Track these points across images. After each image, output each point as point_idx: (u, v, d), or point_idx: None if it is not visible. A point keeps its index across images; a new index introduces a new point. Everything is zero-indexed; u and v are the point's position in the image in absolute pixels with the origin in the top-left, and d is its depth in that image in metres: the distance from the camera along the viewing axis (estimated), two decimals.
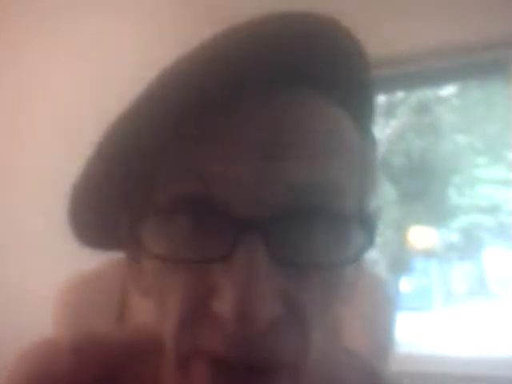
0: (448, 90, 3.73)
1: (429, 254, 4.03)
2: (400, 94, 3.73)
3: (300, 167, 0.32)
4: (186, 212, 0.34)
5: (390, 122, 3.92)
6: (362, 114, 0.38)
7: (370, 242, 0.35)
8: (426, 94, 3.75)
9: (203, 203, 0.33)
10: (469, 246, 4.24)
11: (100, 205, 0.38)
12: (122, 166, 0.34)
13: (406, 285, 4.00)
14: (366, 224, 0.35)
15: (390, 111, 3.90)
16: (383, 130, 3.95)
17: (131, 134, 0.33)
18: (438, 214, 4.12)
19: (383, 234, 4.04)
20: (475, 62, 2.22)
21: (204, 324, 0.33)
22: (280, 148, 0.32)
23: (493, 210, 3.85)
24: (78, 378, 0.46)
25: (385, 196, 4.02)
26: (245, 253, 0.31)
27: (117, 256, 0.98)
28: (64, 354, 0.47)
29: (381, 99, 3.80)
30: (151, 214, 0.34)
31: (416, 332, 3.22)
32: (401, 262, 3.95)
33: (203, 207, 0.33)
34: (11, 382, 0.47)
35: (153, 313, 0.38)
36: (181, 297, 0.34)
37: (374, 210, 0.38)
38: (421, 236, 3.86)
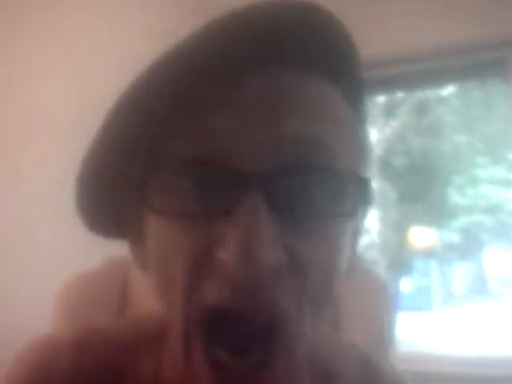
0: (448, 90, 3.73)
1: (429, 254, 4.03)
2: (400, 94, 3.73)
3: (296, 127, 0.36)
4: (190, 170, 0.36)
5: (390, 122, 3.92)
6: (353, 92, 0.42)
7: (365, 200, 0.37)
8: (426, 93, 3.75)
9: (207, 160, 0.35)
10: (469, 246, 4.24)
11: (107, 181, 0.39)
12: (129, 132, 0.36)
13: (406, 285, 4.00)
14: (361, 183, 0.37)
15: (390, 111, 3.90)
16: (383, 130, 3.95)
17: (139, 101, 0.35)
18: (438, 214, 4.12)
19: (383, 234, 4.04)
20: (475, 62, 2.22)
21: (209, 277, 0.35)
22: (279, 111, 0.36)
23: (493, 209, 3.85)
24: (78, 371, 0.46)
25: (385, 196, 4.02)
26: (248, 204, 0.33)
27: (116, 255, 0.98)
28: (64, 349, 0.48)
29: (381, 99, 3.80)
30: (157, 175, 0.36)
31: (416, 332, 3.22)
32: (401, 262, 3.95)
33: (207, 164, 0.35)
34: (13, 377, 0.48)
35: (155, 294, 0.39)
36: (186, 252, 0.35)
37: (368, 176, 0.40)
38: (421, 236, 3.86)
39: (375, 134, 3.95)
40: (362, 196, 0.37)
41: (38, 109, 1.55)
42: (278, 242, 0.33)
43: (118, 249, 1.03)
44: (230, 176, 0.34)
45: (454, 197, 4.01)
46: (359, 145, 0.41)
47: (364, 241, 3.95)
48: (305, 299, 0.36)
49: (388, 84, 2.51)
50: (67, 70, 1.65)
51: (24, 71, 1.55)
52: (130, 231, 0.43)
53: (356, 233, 0.42)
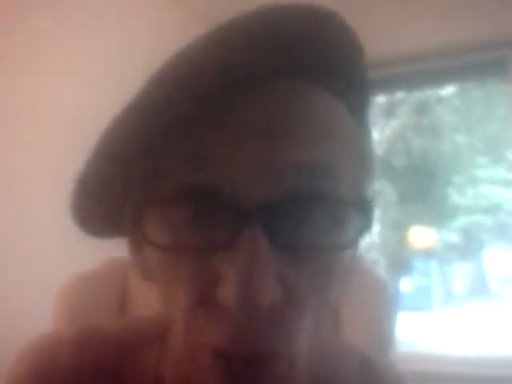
0: (448, 90, 3.73)
1: (429, 254, 4.03)
2: (400, 94, 3.73)
3: (299, 153, 0.33)
4: (187, 200, 0.34)
5: (390, 122, 3.92)
6: (359, 105, 0.38)
7: (367, 226, 0.35)
8: (426, 93, 3.75)
9: (204, 190, 0.33)
10: (469, 246, 4.24)
11: (103, 195, 0.38)
12: (125, 156, 0.35)
13: (406, 285, 3.99)
14: (364, 208, 0.35)
15: (390, 111, 3.90)
16: (383, 130, 3.95)
17: (135, 124, 0.33)
18: (438, 214, 4.12)
19: (383, 234, 4.04)
20: (475, 62, 2.22)
21: (210, 315, 0.33)
22: (279, 135, 0.33)
23: (493, 209, 3.85)
24: (78, 371, 0.46)
25: (385, 196, 4.02)
26: (247, 240, 0.31)
27: (116, 255, 0.98)
28: (65, 348, 0.47)
29: (381, 99, 3.80)
30: (153, 204, 0.35)
31: (416, 332, 3.22)
32: (401, 262, 3.95)
33: (204, 194, 0.33)
34: (13, 376, 0.48)
35: (157, 300, 0.38)
36: (186, 287, 0.34)
37: (371, 195, 0.39)
38: (421, 236, 3.86)
39: (375, 134, 3.95)
40: (364, 222, 0.35)
41: (38, 109, 1.56)
42: (276, 280, 0.32)
43: (116, 248, 1.03)
44: (229, 208, 0.32)
45: (454, 197, 4.01)
46: (364, 163, 0.39)
47: (364, 241, 3.95)
48: (303, 322, 0.35)
49: (388, 84, 2.51)
50: (68, 71, 1.65)
51: (23, 71, 1.55)
52: (129, 240, 0.42)
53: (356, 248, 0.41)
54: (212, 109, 0.33)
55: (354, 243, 0.36)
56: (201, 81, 0.32)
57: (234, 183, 0.32)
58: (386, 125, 3.94)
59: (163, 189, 0.34)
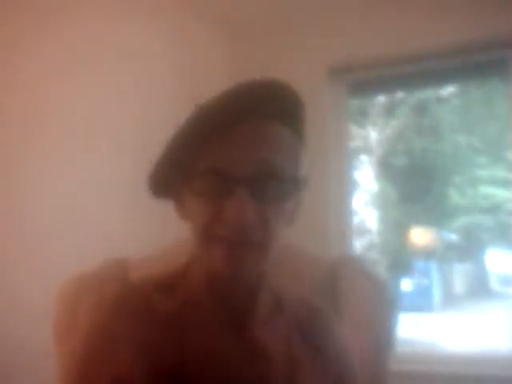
0: (448, 90, 3.73)
1: (429, 254, 4.03)
2: (400, 94, 3.73)
3: (266, 154, 0.68)
4: (210, 175, 0.67)
5: (390, 121, 3.92)
6: (299, 131, 0.73)
7: (296, 191, 0.71)
8: (426, 94, 3.75)
9: (218, 170, 0.67)
10: (469, 246, 4.24)
11: (167, 175, 0.73)
12: (181, 152, 0.69)
13: (406, 285, 4.00)
14: (297, 182, 0.71)
15: (390, 111, 3.90)
16: (383, 130, 3.95)
17: (188, 137, 0.68)
18: (439, 215, 4.12)
19: (383, 234, 4.04)
20: (475, 62, 2.22)
21: (217, 223, 0.66)
22: (257, 145, 0.68)
23: (493, 210, 3.85)
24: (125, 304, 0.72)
25: (385, 196, 4.02)
26: (240, 192, 0.66)
27: (115, 256, 0.98)
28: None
29: (381, 99, 3.80)
30: (194, 176, 0.68)
31: (416, 332, 3.22)
32: (401, 263, 3.95)
33: (217, 172, 0.67)
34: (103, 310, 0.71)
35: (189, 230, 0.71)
36: (204, 212, 0.68)
37: (302, 175, 0.73)
38: (421, 236, 3.86)
39: (375, 134, 3.95)
40: (297, 187, 0.71)
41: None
42: (255, 212, 0.66)
43: (116, 249, 1.03)
44: (229, 179, 0.66)
45: (454, 197, 4.01)
46: (298, 160, 0.73)
47: (364, 241, 3.95)
48: (270, 238, 0.69)
49: (388, 84, 2.51)
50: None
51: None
52: (176, 197, 0.75)
53: (298, 200, 0.74)
54: (225, 134, 0.67)
55: (289, 199, 0.70)
56: (221, 116, 0.67)
57: (236, 168, 0.67)
58: (386, 125, 3.94)
59: (199, 169, 0.68)
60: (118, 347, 0.67)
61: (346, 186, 2.40)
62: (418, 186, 3.99)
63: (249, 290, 0.71)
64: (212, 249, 0.67)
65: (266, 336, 0.72)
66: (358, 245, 3.55)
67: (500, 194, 3.71)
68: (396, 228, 4.01)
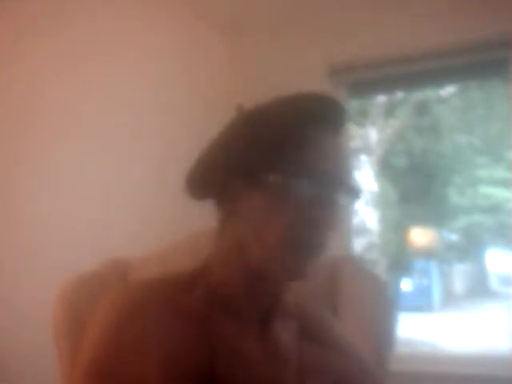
0: (448, 90, 3.73)
1: (429, 254, 4.03)
2: (400, 94, 3.73)
3: (346, 169, 0.70)
4: (305, 182, 0.67)
5: (390, 122, 3.93)
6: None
7: (358, 198, 0.71)
8: (426, 94, 3.75)
9: (314, 179, 0.68)
10: (469, 246, 4.24)
11: (219, 175, 0.71)
12: (246, 158, 0.68)
13: (406, 285, 4.00)
14: (359, 191, 0.72)
15: (390, 111, 3.90)
16: (383, 130, 3.95)
17: (258, 144, 0.68)
18: (439, 214, 4.12)
19: (383, 234, 4.04)
20: (475, 62, 2.22)
21: (301, 228, 0.67)
22: (343, 157, 0.71)
23: (493, 210, 3.86)
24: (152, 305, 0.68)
25: (385, 196, 4.02)
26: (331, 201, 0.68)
27: (115, 256, 0.98)
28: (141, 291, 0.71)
29: (381, 99, 3.80)
30: (272, 182, 0.67)
31: (416, 332, 3.22)
32: (401, 263, 3.96)
33: (315, 181, 0.67)
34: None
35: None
36: (289, 217, 0.67)
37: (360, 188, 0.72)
38: (421, 236, 3.86)
39: (375, 134, 3.96)
40: (357, 196, 0.72)
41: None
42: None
43: (116, 249, 1.03)
44: (325, 187, 0.68)
45: (454, 197, 4.02)
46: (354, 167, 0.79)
47: (364, 241, 3.95)
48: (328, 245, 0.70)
49: (388, 84, 2.51)
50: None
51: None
52: (228, 197, 0.71)
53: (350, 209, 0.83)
54: (302, 143, 0.68)
55: (351, 206, 0.72)
56: (296, 125, 0.68)
57: (326, 176, 0.69)
58: (386, 125, 3.94)
59: (257, 180, 0.68)
60: (143, 346, 0.65)
61: None
62: (418, 185, 3.99)
63: (281, 289, 0.73)
64: (290, 253, 0.67)
65: (283, 336, 0.73)
66: (358, 245, 3.55)
67: (500, 193, 3.71)
68: (396, 228, 4.01)
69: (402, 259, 3.93)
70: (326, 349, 0.76)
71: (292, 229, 0.66)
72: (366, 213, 3.95)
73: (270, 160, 0.67)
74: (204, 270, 0.73)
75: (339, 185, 0.68)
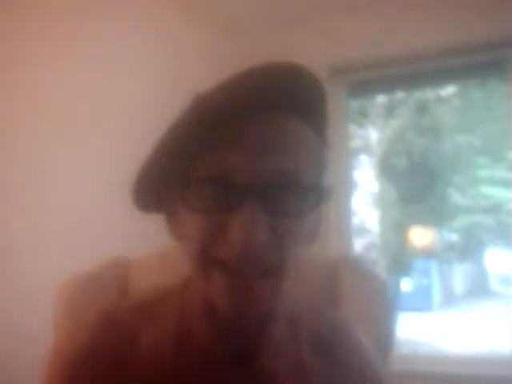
0: (448, 90, 3.73)
1: (429, 254, 4.03)
2: (400, 94, 3.73)
3: (277, 162, 0.52)
4: (209, 184, 0.52)
5: (390, 122, 3.93)
6: (320, 128, 0.58)
7: (320, 202, 0.55)
8: (426, 94, 3.75)
9: (221, 178, 0.52)
10: (469, 246, 4.24)
11: (154, 184, 0.59)
12: (174, 157, 0.54)
13: (406, 285, 4.00)
14: (319, 191, 0.56)
15: (390, 111, 3.91)
16: (383, 130, 3.95)
17: (183, 138, 0.52)
18: (439, 214, 4.12)
19: (383, 234, 4.04)
20: (475, 62, 2.22)
21: (219, 245, 0.52)
22: (268, 148, 0.53)
23: (493, 209, 3.86)
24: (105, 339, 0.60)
25: (385, 196, 4.02)
26: (249, 206, 0.51)
27: (115, 256, 0.98)
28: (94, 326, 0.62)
29: (381, 99, 3.80)
30: (189, 185, 0.53)
31: (416, 332, 3.22)
32: (401, 263, 3.96)
33: (219, 181, 0.52)
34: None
35: (183, 251, 0.57)
36: (203, 229, 0.53)
37: (326, 182, 0.58)
38: (421, 236, 3.86)
39: (375, 134, 3.96)
40: (318, 199, 0.55)
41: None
42: (267, 230, 0.51)
43: (116, 249, 1.03)
44: (235, 188, 0.51)
45: (454, 197, 4.02)
46: (321, 163, 0.58)
47: (364, 241, 3.95)
48: (287, 262, 0.54)
49: (388, 84, 2.51)
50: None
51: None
52: (167, 212, 0.61)
53: (318, 213, 0.60)
54: (225, 132, 0.52)
55: (311, 211, 0.55)
56: (224, 111, 0.51)
57: (240, 175, 0.52)
58: (385, 125, 3.94)
59: (195, 177, 0.53)
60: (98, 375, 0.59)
61: (345, 186, 2.40)
62: (417, 185, 3.99)
63: (258, 326, 0.58)
64: (212, 277, 0.53)
65: (275, 366, 0.60)
66: (358, 245, 3.55)
67: (500, 193, 3.71)
68: (396, 228, 4.01)
69: (401, 259, 3.93)
70: (343, 366, 0.64)
71: (211, 248, 0.52)
72: (365, 213, 3.96)
73: (191, 157, 0.53)
74: (180, 294, 0.63)
75: (280, 186, 0.52)
